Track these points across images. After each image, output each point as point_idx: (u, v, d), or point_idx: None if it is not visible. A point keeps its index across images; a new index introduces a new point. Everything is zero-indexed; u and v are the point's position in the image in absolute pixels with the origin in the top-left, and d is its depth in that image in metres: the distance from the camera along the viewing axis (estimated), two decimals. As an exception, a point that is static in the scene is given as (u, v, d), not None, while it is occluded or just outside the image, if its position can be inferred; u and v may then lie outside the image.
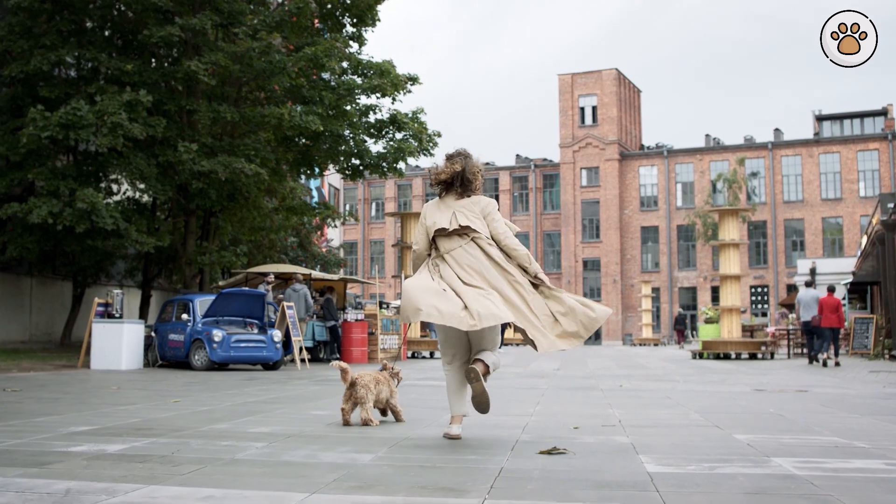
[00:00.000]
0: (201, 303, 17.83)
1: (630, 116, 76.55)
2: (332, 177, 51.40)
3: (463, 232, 5.52)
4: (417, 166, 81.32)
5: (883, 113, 68.80)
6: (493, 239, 5.57)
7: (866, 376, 15.39)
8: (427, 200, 79.65)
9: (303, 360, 18.09)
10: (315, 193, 41.35)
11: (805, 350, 27.42)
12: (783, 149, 68.96)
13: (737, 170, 66.53)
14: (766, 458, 4.81)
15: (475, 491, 3.77)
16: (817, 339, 20.33)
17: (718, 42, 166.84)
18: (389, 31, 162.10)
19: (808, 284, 21.40)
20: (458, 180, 5.67)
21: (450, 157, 5.78)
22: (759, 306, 66.56)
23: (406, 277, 26.07)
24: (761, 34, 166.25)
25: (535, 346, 5.26)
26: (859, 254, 40.04)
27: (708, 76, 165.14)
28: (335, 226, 34.93)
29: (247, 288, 20.13)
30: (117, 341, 17.24)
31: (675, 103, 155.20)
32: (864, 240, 34.76)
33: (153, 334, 18.78)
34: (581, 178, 73.46)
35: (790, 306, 49.21)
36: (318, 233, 37.40)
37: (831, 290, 19.99)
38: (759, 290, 67.80)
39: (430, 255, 5.67)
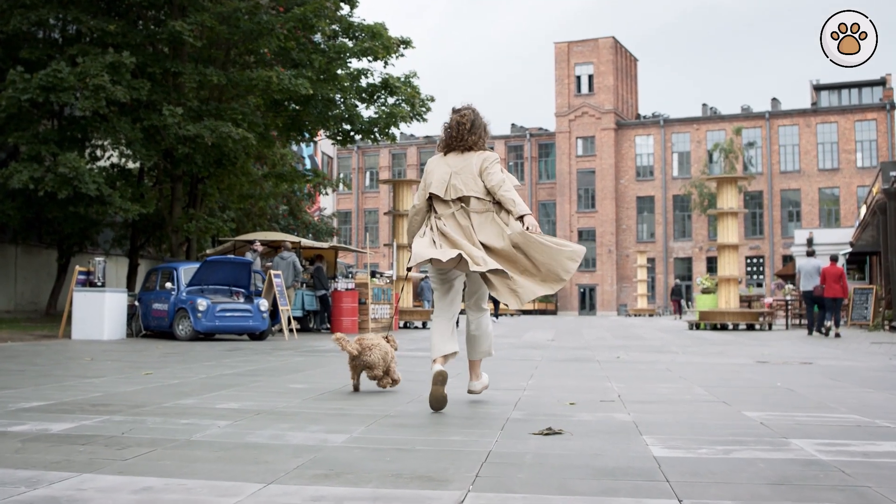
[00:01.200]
0: (186, 271, 17.31)
1: (626, 85, 75.80)
2: (326, 145, 50.75)
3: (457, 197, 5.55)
4: (412, 135, 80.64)
5: (881, 83, 68.12)
6: (489, 192, 5.55)
7: (869, 348, 14.96)
8: (422, 169, 78.89)
9: (291, 330, 17.61)
10: (308, 161, 40.69)
11: (803, 321, 27.08)
12: (780, 118, 68.34)
13: (733, 139, 65.98)
14: (784, 440, 4.33)
15: (457, 480, 3.28)
16: (819, 309, 19.90)
17: (716, 11, 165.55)
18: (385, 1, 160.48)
19: (810, 254, 20.90)
20: (459, 134, 5.68)
21: (457, 111, 5.77)
22: (755, 277, 66.24)
23: (400, 245, 25.67)
24: (758, 4, 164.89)
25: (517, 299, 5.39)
26: (857, 224, 39.58)
27: (705, 46, 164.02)
28: (326, 193, 34.36)
29: (232, 255, 19.59)
30: (99, 310, 16.71)
31: (672, 73, 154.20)
32: (863, 210, 34.28)
33: (137, 303, 18.28)
34: (577, 148, 72.84)
35: (786, 277, 48.84)
36: (310, 201, 36.81)
37: (834, 259, 19.54)
38: (755, 260, 67.44)
39: (429, 211, 5.70)
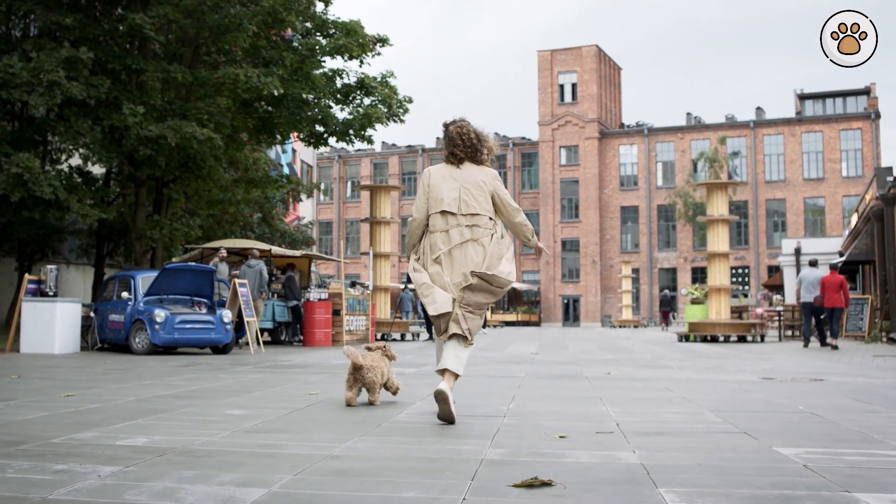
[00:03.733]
0: (143, 279, 16.14)
1: (610, 94, 75.02)
2: (306, 153, 49.62)
3: (462, 213, 5.43)
4: (394, 144, 79.57)
5: (866, 92, 67.55)
6: (503, 214, 5.58)
7: (873, 361, 13.96)
8: (403, 179, 78.24)
9: (258, 343, 16.46)
10: (286, 169, 39.47)
11: (796, 332, 26.11)
12: (765, 127, 67.69)
13: (718, 148, 65.24)
14: (846, 495, 3.25)
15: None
16: (816, 319, 18.93)
17: (699, 21, 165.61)
18: (366, 7, 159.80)
19: (813, 263, 19.84)
20: (469, 144, 5.56)
21: (455, 122, 5.66)
22: (741, 288, 65.40)
23: (377, 254, 24.45)
24: (742, 14, 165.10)
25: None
26: (846, 234, 38.73)
27: (689, 55, 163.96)
28: (301, 200, 33.19)
29: (193, 263, 18.42)
30: (49, 322, 15.55)
31: (655, 82, 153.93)
32: (854, 218, 33.42)
33: (93, 314, 17.10)
34: (560, 157, 71.96)
35: (773, 287, 47.97)
36: (286, 208, 35.63)
37: (834, 268, 18.55)
38: (740, 271, 66.61)
39: (427, 225, 5.57)
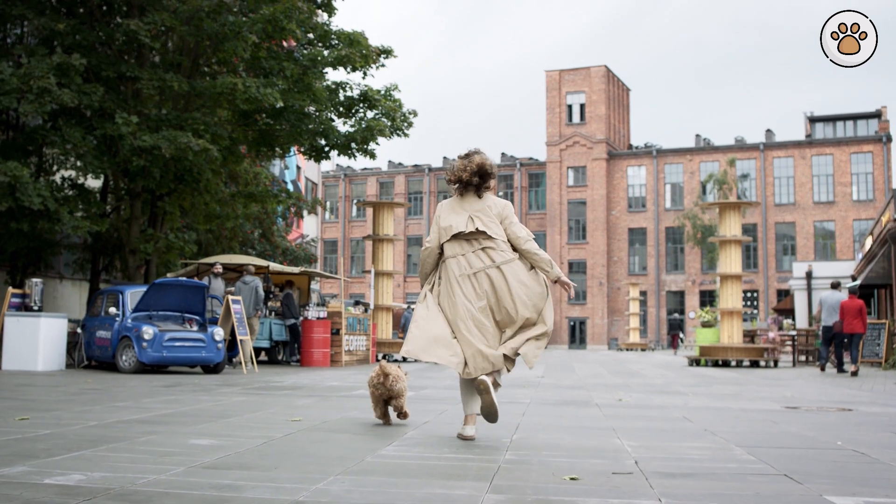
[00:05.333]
0: (132, 295, 15.45)
1: (619, 115, 74.42)
2: (311, 171, 49.06)
3: (474, 237, 5.50)
4: (400, 163, 79.01)
5: (877, 115, 66.85)
6: (510, 242, 5.55)
7: (898, 389, 13.23)
8: (409, 198, 77.56)
9: (252, 363, 15.76)
10: (291, 186, 38.86)
11: (812, 358, 25.34)
12: (775, 150, 66.97)
13: (727, 171, 64.48)
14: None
15: None
16: (834, 345, 18.20)
17: (709, 45, 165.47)
18: (375, 30, 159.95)
19: (835, 286, 19.04)
20: (475, 178, 5.63)
21: (466, 156, 5.72)
22: (750, 311, 64.51)
23: (379, 272, 23.82)
24: (752, 38, 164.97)
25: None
26: (860, 257, 37.98)
27: (699, 77, 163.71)
28: (302, 216, 32.52)
29: (184, 278, 17.76)
30: (33, 338, 14.89)
31: (664, 103, 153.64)
32: (869, 241, 32.69)
33: (80, 331, 16.43)
34: (568, 178, 71.28)
35: (783, 311, 47.19)
36: (286, 224, 34.96)
37: (853, 292, 17.79)
38: (749, 294, 65.73)
39: (440, 253, 5.67)
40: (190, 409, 7.52)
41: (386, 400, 6.19)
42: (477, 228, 5.46)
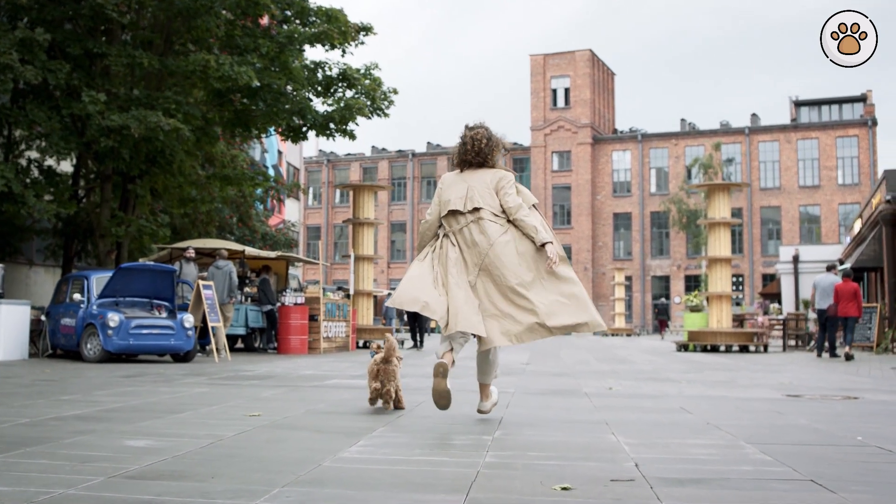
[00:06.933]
0: (98, 280, 14.74)
1: (603, 99, 73.78)
2: (292, 155, 48.20)
3: (469, 211, 5.55)
4: (384, 148, 78.06)
5: (862, 99, 66.47)
6: (504, 212, 5.58)
7: (897, 375, 12.70)
8: (393, 184, 76.71)
9: (219, 351, 15.07)
10: (271, 171, 38.02)
11: (801, 342, 24.86)
12: (760, 134, 66.52)
13: (713, 155, 63.96)
14: None
15: None
16: (827, 329, 17.68)
17: (694, 31, 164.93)
18: (359, 18, 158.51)
19: (830, 268, 18.49)
20: (473, 149, 5.71)
21: (471, 128, 5.81)
22: (735, 296, 64.16)
23: (359, 257, 23.16)
24: (737, 25, 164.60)
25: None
26: (848, 240, 37.52)
27: (684, 63, 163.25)
28: (281, 199, 31.79)
29: (151, 262, 17.05)
30: (-7, 326, 14.16)
31: (650, 88, 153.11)
32: (858, 224, 32.23)
33: (44, 318, 15.71)
34: (552, 163, 70.66)
35: (769, 296, 46.78)
36: (266, 209, 34.19)
37: (847, 275, 17.25)
38: (735, 279, 65.32)
39: (440, 225, 5.73)
40: (141, 403, 6.86)
41: (383, 382, 6.19)
42: (474, 207, 5.51)
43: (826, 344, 18.09)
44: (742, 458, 4.30)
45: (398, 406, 6.37)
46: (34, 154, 19.88)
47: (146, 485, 3.38)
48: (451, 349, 5.43)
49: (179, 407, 6.58)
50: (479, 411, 5.89)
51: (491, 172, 5.71)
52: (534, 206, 5.73)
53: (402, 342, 25.06)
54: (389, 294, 32.35)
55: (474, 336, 5.48)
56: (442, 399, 5.40)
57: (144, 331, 13.83)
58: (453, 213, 5.59)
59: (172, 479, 3.50)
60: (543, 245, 5.43)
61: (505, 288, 5.38)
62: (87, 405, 6.62)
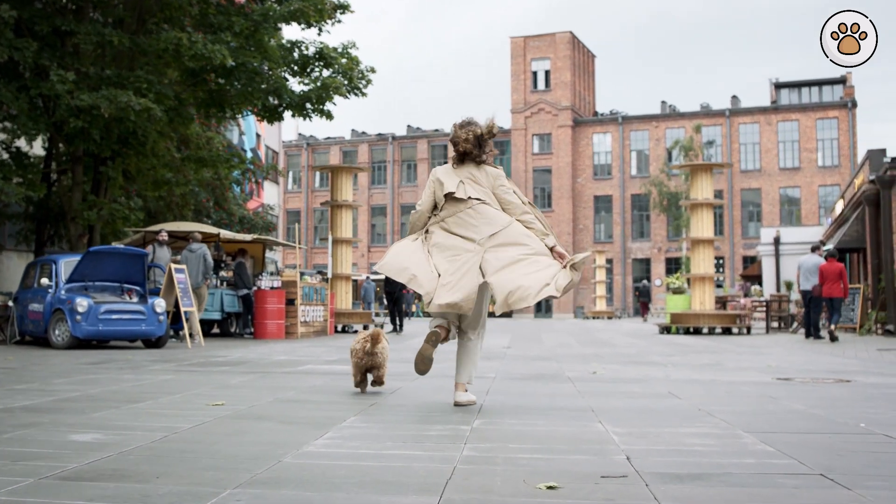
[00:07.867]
0: (66, 264, 14.28)
1: (584, 82, 73.38)
2: (271, 138, 47.54)
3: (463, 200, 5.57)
4: (364, 132, 77.44)
5: (842, 81, 66.36)
6: (505, 209, 5.61)
7: (883, 357, 12.47)
8: (373, 167, 76.18)
9: (191, 336, 14.66)
10: (249, 154, 37.45)
11: (784, 324, 24.70)
12: (741, 116, 66.35)
13: (693, 137, 63.77)
14: None
15: None
16: (810, 310, 17.45)
17: (676, 14, 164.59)
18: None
19: (814, 249, 18.24)
20: (469, 148, 5.70)
21: (462, 126, 5.77)
22: (716, 278, 64.10)
23: (336, 240, 22.76)
24: (719, 8, 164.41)
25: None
26: (829, 221, 37.40)
27: (665, 46, 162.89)
28: (258, 181, 31.24)
29: (121, 245, 16.59)
30: (-43, 312, 13.70)
31: (630, 71, 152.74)
32: (840, 204, 32.07)
33: (11, 304, 15.25)
34: (533, 145, 70.28)
35: (750, 278, 46.67)
36: (244, 192, 33.67)
37: (832, 255, 16.99)
38: (716, 261, 65.31)
39: (430, 218, 5.73)
40: (100, 392, 6.47)
41: (367, 369, 6.18)
42: (469, 196, 5.54)
43: (812, 326, 17.87)
44: (742, 450, 3.97)
45: (377, 383, 6.35)
46: (1, 136, 19.35)
47: (80, 487, 3.01)
48: (447, 325, 5.49)
49: (139, 396, 6.20)
50: (457, 403, 5.68)
51: (484, 172, 5.71)
52: (529, 203, 5.75)
53: (381, 325, 24.69)
54: (367, 279, 31.95)
55: (458, 329, 5.59)
56: (423, 364, 5.36)
57: (114, 316, 13.40)
58: (454, 200, 5.58)
59: (111, 480, 3.12)
60: (553, 249, 5.51)
61: (515, 254, 5.37)
62: (41, 395, 6.23)
